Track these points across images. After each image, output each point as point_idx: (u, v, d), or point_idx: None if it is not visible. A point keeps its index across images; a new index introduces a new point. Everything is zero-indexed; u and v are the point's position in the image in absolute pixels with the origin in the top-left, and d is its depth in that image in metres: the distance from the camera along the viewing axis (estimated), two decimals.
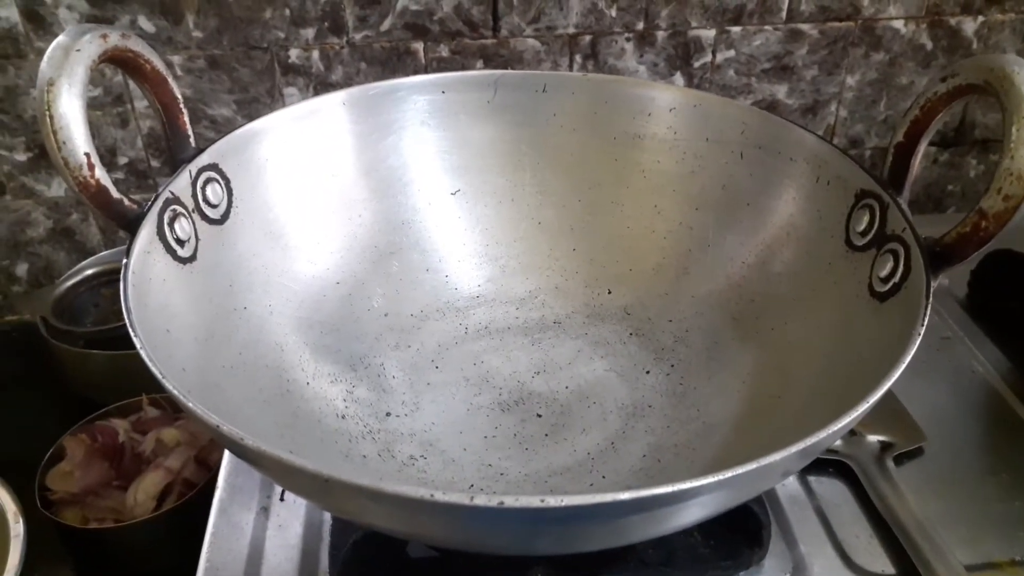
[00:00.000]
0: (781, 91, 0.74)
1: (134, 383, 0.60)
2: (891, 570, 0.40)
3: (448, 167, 0.52)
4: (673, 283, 0.49)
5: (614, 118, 0.51)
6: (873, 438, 0.46)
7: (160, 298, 0.36)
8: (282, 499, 0.43)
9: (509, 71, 0.54)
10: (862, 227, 0.40)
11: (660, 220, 0.50)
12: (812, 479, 0.45)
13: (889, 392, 0.44)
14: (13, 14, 0.64)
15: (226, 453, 0.46)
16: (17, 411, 0.69)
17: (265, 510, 0.43)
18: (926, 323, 0.32)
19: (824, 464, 0.45)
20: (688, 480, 0.26)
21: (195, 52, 0.67)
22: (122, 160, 0.71)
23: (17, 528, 0.50)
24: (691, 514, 0.31)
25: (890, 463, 0.44)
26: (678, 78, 0.73)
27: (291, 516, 0.42)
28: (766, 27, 0.71)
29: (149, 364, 0.29)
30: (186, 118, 0.42)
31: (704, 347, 0.46)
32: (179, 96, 0.41)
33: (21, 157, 0.71)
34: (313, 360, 0.43)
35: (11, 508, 0.51)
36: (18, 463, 0.57)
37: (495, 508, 0.25)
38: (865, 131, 0.78)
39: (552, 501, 0.25)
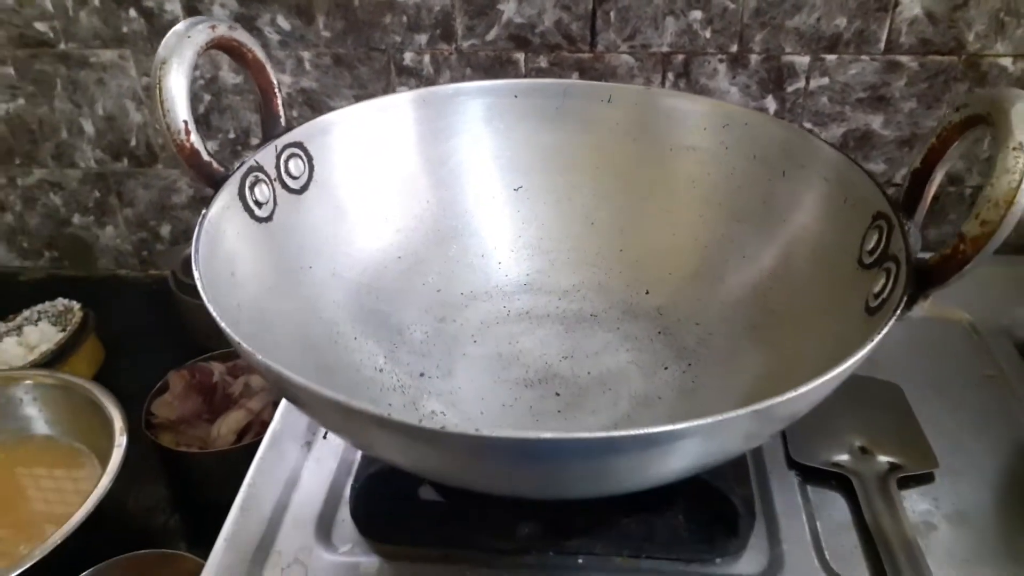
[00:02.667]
0: (876, 121, 0.74)
1: None
2: None
3: (513, 165, 0.56)
4: (707, 289, 0.51)
5: (672, 130, 0.54)
6: (883, 458, 0.47)
7: (231, 247, 0.43)
8: (324, 437, 0.50)
9: (578, 81, 0.58)
10: (871, 246, 0.41)
11: (704, 229, 0.53)
12: (811, 489, 0.46)
13: (911, 417, 0.46)
14: (176, 8, 0.75)
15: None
16: (145, 351, 0.79)
17: (308, 444, 0.49)
18: (884, 331, 0.33)
19: (827, 476, 0.46)
20: (649, 427, 0.29)
21: (323, 50, 0.76)
22: (254, 141, 0.81)
23: (121, 440, 0.59)
24: (656, 465, 0.34)
25: (893, 483, 0.45)
26: (770, 101, 0.74)
27: (328, 453, 0.49)
28: (863, 57, 0.71)
29: (202, 293, 0.36)
30: (279, 100, 0.49)
31: (723, 350, 0.48)
32: (275, 81, 0.49)
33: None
34: (364, 320, 0.49)
35: (119, 424, 0.60)
36: (136, 393, 0.67)
37: (472, 436, 0.30)
38: (966, 168, 0.76)
39: (526, 434, 0.29)
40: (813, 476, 0.46)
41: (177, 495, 0.65)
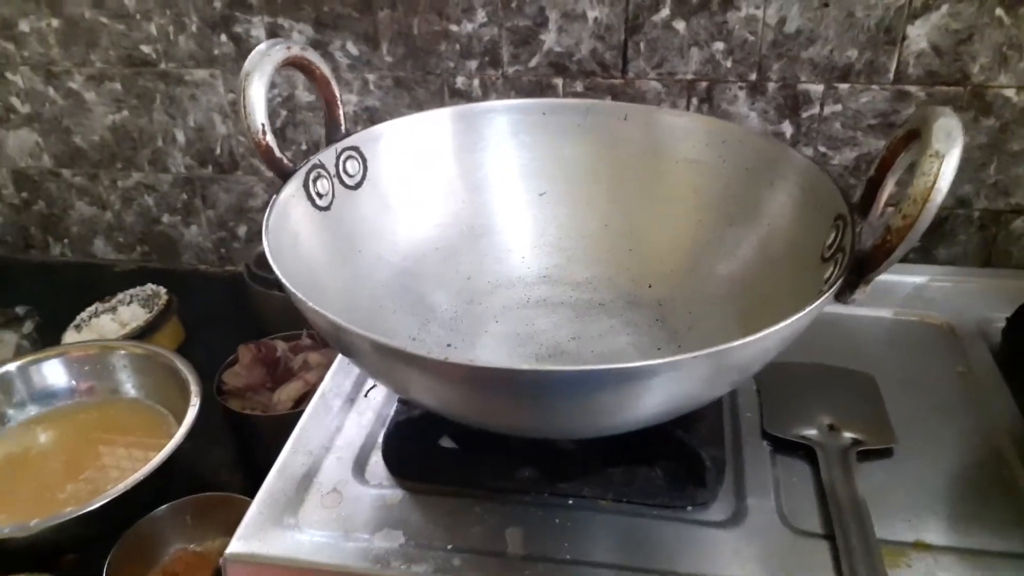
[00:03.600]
0: None
1: (303, 323, 0.78)
2: (820, 531, 0.47)
3: (539, 174, 0.65)
4: (700, 283, 0.59)
5: (678, 145, 0.62)
6: (848, 435, 0.53)
7: (295, 227, 0.52)
8: (366, 396, 0.58)
9: (598, 100, 0.66)
10: (830, 242, 0.48)
11: (702, 231, 0.60)
12: (780, 456, 0.53)
13: (879, 402, 0.53)
14: (261, 34, 0.86)
15: (334, 363, 0.62)
16: (219, 333, 0.90)
17: (351, 401, 0.58)
18: (813, 305, 0.40)
19: (796, 447, 0.53)
20: (618, 363, 0.37)
21: (385, 72, 0.86)
22: None
23: (195, 401, 0.69)
24: (629, 404, 0.41)
25: (853, 455, 0.51)
26: (787, 126, 0.81)
27: (367, 408, 0.57)
28: (873, 86, 0.78)
29: (270, 258, 0.45)
30: (341, 111, 0.58)
31: (709, 333, 0.55)
32: (338, 95, 0.58)
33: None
34: (403, 297, 0.58)
35: (194, 388, 0.70)
36: (210, 368, 0.77)
37: (468, 365, 0.38)
38: (974, 192, 0.82)
39: (512, 365, 0.37)
40: (783, 446, 0.53)
41: (241, 456, 0.75)
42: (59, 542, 0.63)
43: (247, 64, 0.51)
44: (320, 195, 0.55)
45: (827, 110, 0.80)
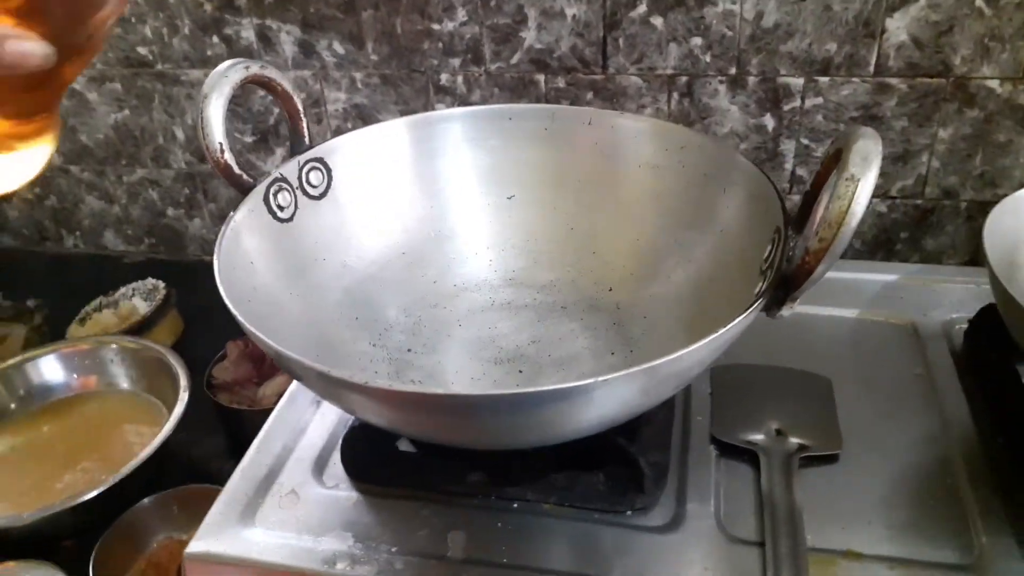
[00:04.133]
0: None
1: None
2: (754, 538, 0.49)
3: (506, 178, 0.66)
4: (657, 288, 0.60)
5: (640, 149, 0.62)
6: (794, 440, 0.54)
7: (254, 243, 0.54)
8: None
9: (563, 106, 0.67)
10: (766, 255, 0.49)
11: (661, 236, 0.61)
12: (725, 461, 0.54)
13: (830, 406, 0.54)
14: (251, 35, 0.88)
15: None
16: (218, 326, 0.93)
17: (318, 403, 0.60)
18: (729, 326, 0.41)
19: (741, 452, 0.54)
20: (544, 385, 0.39)
21: (372, 71, 0.87)
22: None
23: (183, 395, 0.73)
24: (566, 417, 0.42)
25: (795, 461, 0.52)
26: (768, 119, 0.81)
27: (331, 410, 0.60)
28: (853, 79, 0.77)
29: (217, 278, 0.47)
30: (304, 124, 0.60)
31: (661, 339, 0.56)
32: (300, 108, 0.60)
33: (248, 139, 0.95)
34: (366, 304, 0.60)
35: (183, 383, 0.74)
36: (209, 359, 0.80)
37: (410, 392, 0.40)
38: (960, 183, 0.81)
39: (436, 390, 0.39)
40: (729, 451, 0.54)
41: (230, 447, 0.78)
42: (55, 531, 0.67)
43: (205, 85, 0.53)
44: (281, 207, 0.57)
45: (808, 103, 0.79)
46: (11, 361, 0.78)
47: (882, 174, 0.81)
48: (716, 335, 0.41)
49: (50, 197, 1.07)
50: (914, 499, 0.51)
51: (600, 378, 0.39)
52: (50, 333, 0.90)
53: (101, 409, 0.78)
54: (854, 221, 0.40)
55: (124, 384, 0.79)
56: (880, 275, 0.69)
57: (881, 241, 0.86)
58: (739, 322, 0.42)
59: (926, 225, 0.84)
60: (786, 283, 0.44)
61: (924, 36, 0.74)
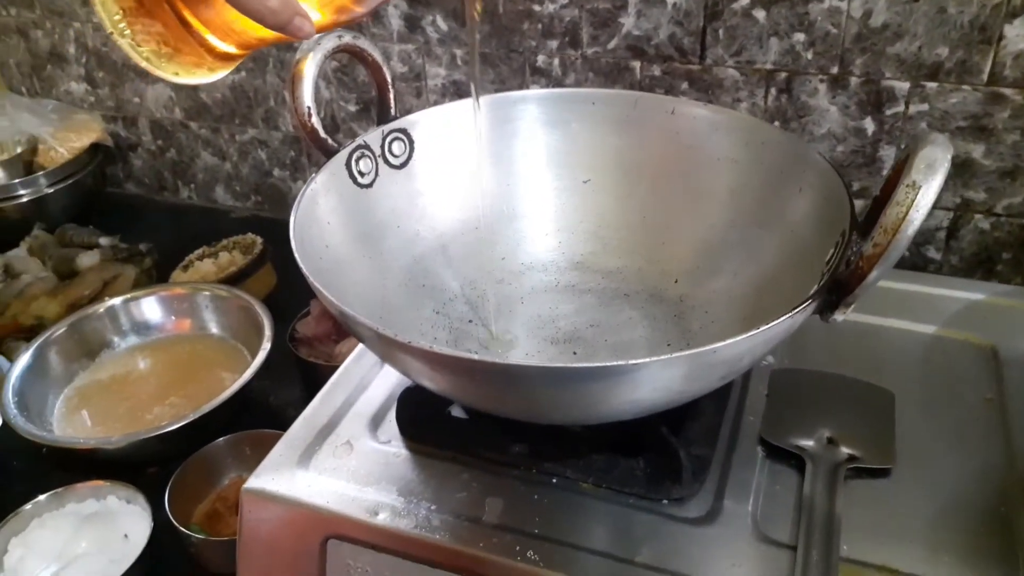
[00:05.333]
0: (977, 151, 0.76)
1: None
2: (787, 542, 0.48)
3: (584, 162, 0.67)
4: (721, 284, 0.59)
5: (721, 142, 0.62)
6: (845, 450, 0.53)
7: (332, 204, 0.57)
8: None
9: (647, 94, 0.67)
10: (828, 257, 0.48)
11: (732, 232, 0.60)
12: (771, 464, 0.53)
13: (888, 420, 0.53)
14: None
15: None
16: (301, 288, 0.98)
17: (381, 363, 0.63)
18: (774, 323, 0.41)
19: (788, 456, 0.53)
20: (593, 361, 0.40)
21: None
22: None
23: (266, 344, 0.77)
24: (607, 397, 0.43)
25: (843, 470, 0.51)
26: (868, 123, 0.78)
27: (393, 372, 0.62)
28: (964, 87, 0.74)
29: (291, 235, 0.50)
30: (391, 95, 0.63)
31: (717, 335, 0.56)
32: (389, 79, 0.62)
33: (352, 108, 0.99)
34: (434, 273, 0.62)
35: (267, 333, 0.78)
36: (291, 316, 0.85)
37: (463, 358, 0.42)
38: None
39: (494, 358, 0.41)
40: (776, 454, 0.54)
41: (306, 396, 0.82)
42: (141, 456, 0.73)
43: (299, 52, 0.56)
44: (363, 174, 0.60)
45: (912, 109, 0.76)
46: (119, 299, 0.84)
47: (988, 189, 0.77)
48: (754, 332, 0.41)
49: (171, 150, 1.14)
50: (963, 524, 0.49)
51: (635, 360, 0.40)
52: (157, 276, 0.97)
53: (192, 350, 0.83)
54: (911, 228, 0.39)
55: (214, 329, 0.85)
56: (964, 292, 0.66)
57: (982, 259, 0.81)
58: (781, 322, 0.42)
59: None
60: (840, 287, 0.43)
61: None
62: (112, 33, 0.36)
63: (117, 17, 0.36)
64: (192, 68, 0.39)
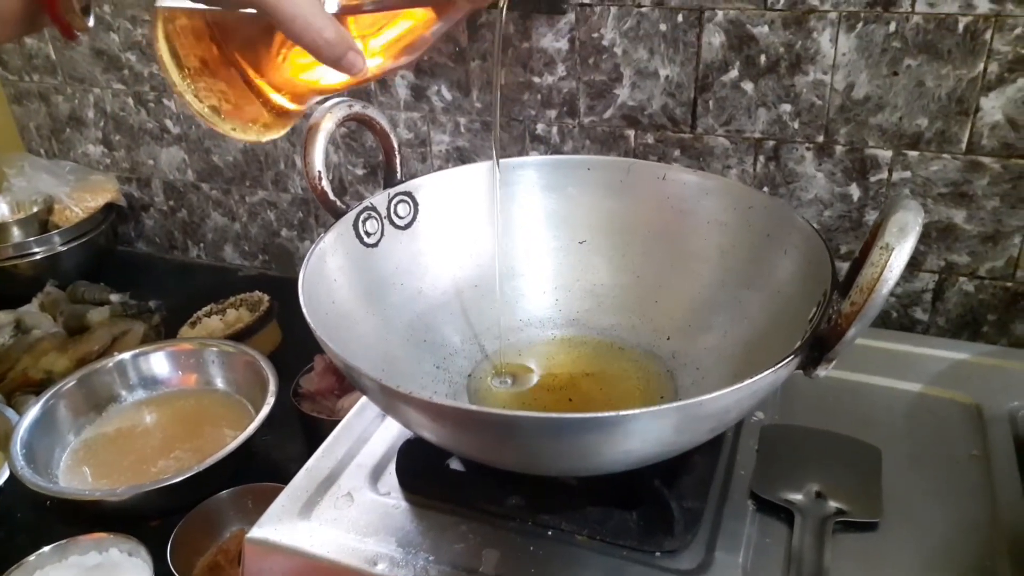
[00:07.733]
0: (959, 216, 0.79)
1: None
2: None
3: (580, 223, 0.70)
4: (712, 342, 0.62)
5: (712, 206, 0.65)
6: (833, 503, 0.54)
7: (339, 262, 0.60)
8: None
9: (639, 160, 0.70)
10: (810, 316, 0.50)
11: (722, 292, 0.63)
12: (761, 517, 0.55)
13: (875, 475, 0.55)
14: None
15: None
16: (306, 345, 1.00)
17: (383, 417, 0.65)
18: (756, 377, 0.43)
19: (778, 509, 0.55)
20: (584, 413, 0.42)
21: (475, 116, 0.93)
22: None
23: (270, 399, 0.79)
24: (599, 448, 0.45)
25: (831, 524, 0.53)
26: (854, 189, 0.82)
27: (394, 426, 0.64)
28: (944, 155, 0.77)
29: (300, 291, 0.53)
30: (397, 160, 0.66)
31: (708, 391, 0.58)
32: (396, 145, 0.66)
33: (360, 171, 1.03)
34: (435, 329, 0.65)
35: (272, 388, 0.80)
36: (295, 372, 0.87)
37: (460, 408, 0.44)
38: None
39: (485, 409, 0.43)
40: (766, 507, 0.55)
41: (308, 451, 0.84)
42: (144, 509, 0.74)
43: (312, 119, 0.59)
44: (369, 234, 0.63)
45: (896, 176, 0.80)
46: (128, 354, 0.87)
47: (971, 253, 0.80)
48: (740, 386, 0.43)
49: (182, 210, 1.18)
50: None
51: (626, 412, 0.42)
52: (165, 332, 0.99)
53: (198, 405, 0.85)
54: (885, 288, 0.42)
55: (220, 384, 0.87)
56: (949, 352, 0.69)
57: (967, 320, 0.84)
58: (765, 376, 0.44)
59: (1016, 308, 0.81)
60: (822, 344, 0.46)
61: (1021, 117, 0.73)
62: (177, 88, 0.39)
63: (182, 76, 0.39)
64: (248, 124, 0.42)
